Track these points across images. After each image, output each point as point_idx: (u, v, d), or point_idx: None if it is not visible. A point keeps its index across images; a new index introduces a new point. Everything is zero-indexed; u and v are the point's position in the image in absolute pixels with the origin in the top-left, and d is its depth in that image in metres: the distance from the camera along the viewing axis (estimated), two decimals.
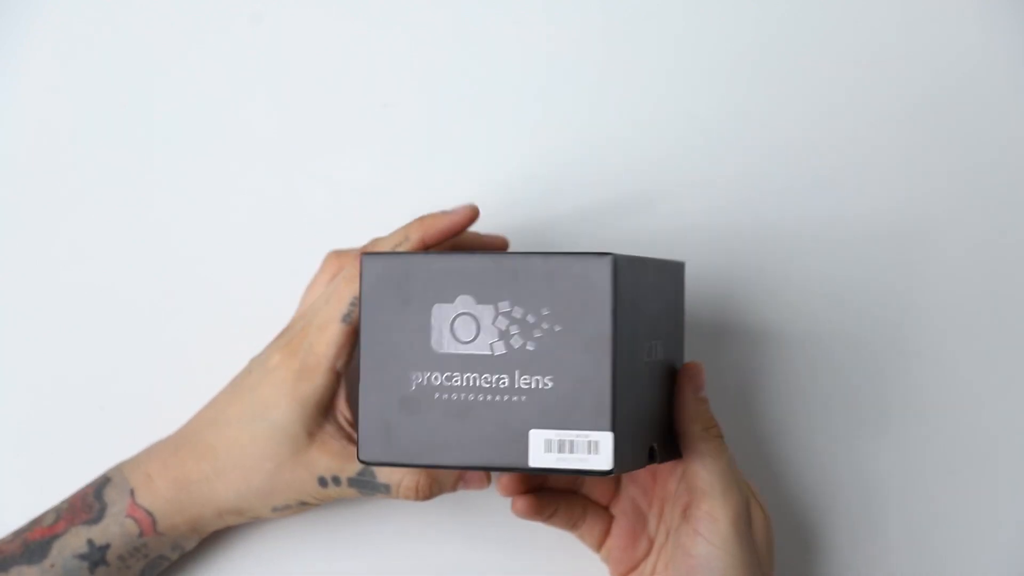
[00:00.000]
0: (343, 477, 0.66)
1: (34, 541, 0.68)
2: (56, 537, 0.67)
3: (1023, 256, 0.75)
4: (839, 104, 0.75)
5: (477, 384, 0.58)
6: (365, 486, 0.66)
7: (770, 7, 0.76)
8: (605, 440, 0.57)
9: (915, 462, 0.74)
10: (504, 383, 0.58)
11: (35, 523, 0.68)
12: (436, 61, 0.76)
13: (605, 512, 0.70)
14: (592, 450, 0.57)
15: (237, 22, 0.76)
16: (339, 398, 0.67)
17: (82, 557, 0.67)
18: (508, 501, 0.68)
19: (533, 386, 0.58)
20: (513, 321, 0.58)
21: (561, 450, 0.58)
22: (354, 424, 0.67)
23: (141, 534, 0.67)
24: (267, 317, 0.72)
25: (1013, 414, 0.75)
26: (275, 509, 0.68)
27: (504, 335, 0.58)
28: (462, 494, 0.71)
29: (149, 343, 0.76)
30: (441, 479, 0.67)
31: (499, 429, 0.58)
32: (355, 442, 0.65)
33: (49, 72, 0.76)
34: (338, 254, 0.70)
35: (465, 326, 0.58)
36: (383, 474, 0.66)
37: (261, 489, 0.67)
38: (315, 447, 0.66)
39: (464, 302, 0.58)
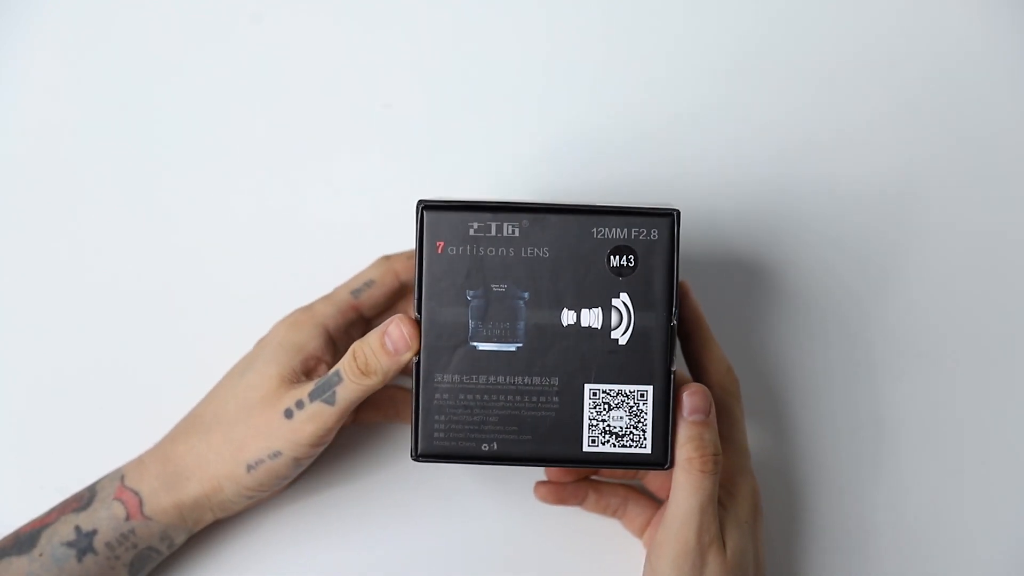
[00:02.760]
0: (304, 396, 0.64)
1: (25, 533, 0.66)
2: (46, 527, 0.66)
3: (1006, 203, 0.76)
4: (837, 69, 0.76)
5: None
6: (325, 389, 0.63)
7: None
8: None
9: (901, 399, 0.75)
10: None
11: (32, 519, 0.67)
12: (436, 61, 0.76)
13: (652, 503, 0.70)
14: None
15: (237, 22, 0.76)
16: (322, 363, 0.67)
17: (70, 544, 0.65)
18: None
19: None
20: None
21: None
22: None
23: (128, 517, 0.66)
24: (267, 316, 0.71)
25: (995, 350, 0.76)
26: (250, 468, 0.65)
27: None
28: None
29: (149, 343, 0.75)
30: (376, 350, 0.62)
31: None
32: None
33: (47, 71, 0.76)
34: (386, 256, 0.71)
35: None
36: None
37: (236, 440, 0.65)
38: (284, 389, 0.65)
39: None
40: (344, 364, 0.63)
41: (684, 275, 0.73)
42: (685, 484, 0.62)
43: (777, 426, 0.75)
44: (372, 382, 0.62)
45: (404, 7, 0.76)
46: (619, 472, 0.72)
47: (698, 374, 0.68)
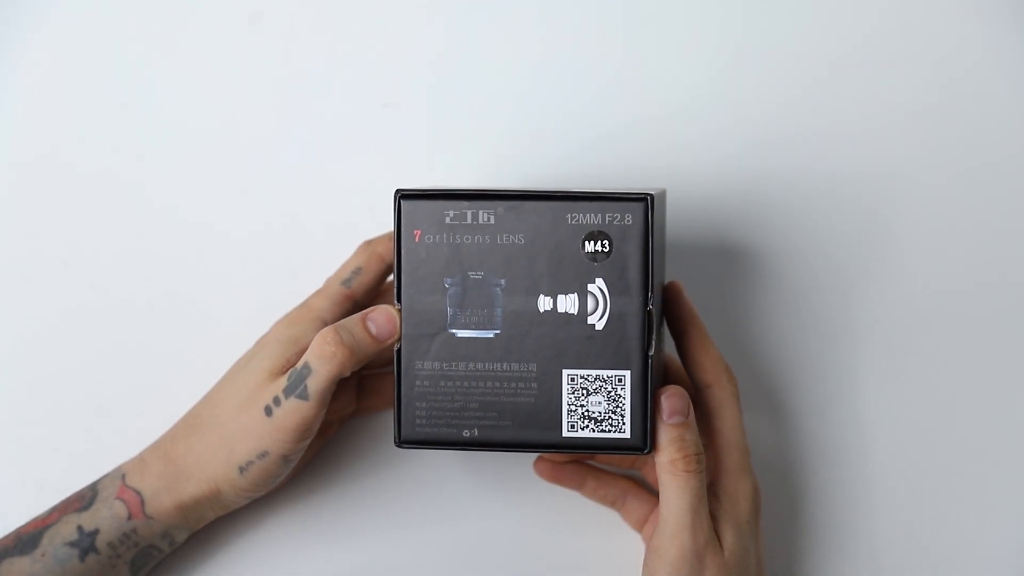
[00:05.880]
0: (279, 393, 0.64)
1: (27, 533, 0.67)
2: (48, 527, 0.67)
3: (992, 194, 0.75)
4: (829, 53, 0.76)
5: None
6: (297, 383, 0.63)
7: None
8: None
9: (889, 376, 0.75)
10: None
11: (34, 518, 0.68)
12: (436, 61, 0.76)
13: (652, 496, 0.70)
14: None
15: (237, 21, 0.76)
16: None
17: (72, 544, 0.66)
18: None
19: None
20: None
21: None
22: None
23: (130, 516, 0.66)
24: (267, 316, 0.72)
25: (991, 342, 0.75)
26: (242, 470, 0.65)
27: None
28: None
29: (149, 343, 0.75)
30: (356, 336, 0.62)
31: None
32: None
33: (45, 69, 0.77)
34: (368, 241, 0.71)
35: None
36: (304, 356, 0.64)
37: (229, 441, 0.65)
38: (267, 383, 0.65)
39: None
40: (311, 354, 0.63)
41: (676, 266, 0.73)
42: (672, 486, 0.62)
43: (773, 421, 0.75)
44: (343, 364, 0.62)
45: (404, 7, 0.76)
46: (616, 459, 0.72)
47: (695, 372, 0.68)
